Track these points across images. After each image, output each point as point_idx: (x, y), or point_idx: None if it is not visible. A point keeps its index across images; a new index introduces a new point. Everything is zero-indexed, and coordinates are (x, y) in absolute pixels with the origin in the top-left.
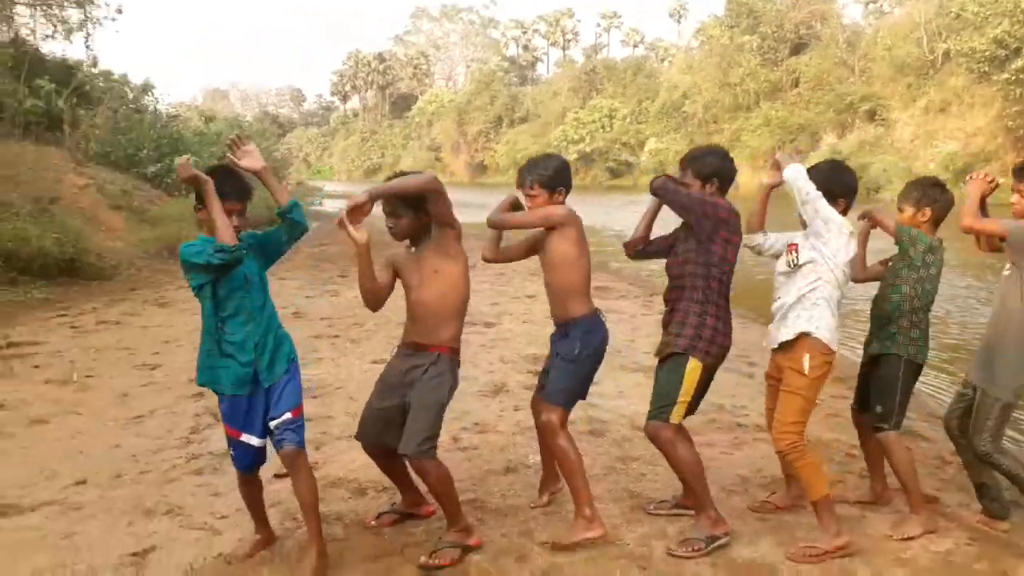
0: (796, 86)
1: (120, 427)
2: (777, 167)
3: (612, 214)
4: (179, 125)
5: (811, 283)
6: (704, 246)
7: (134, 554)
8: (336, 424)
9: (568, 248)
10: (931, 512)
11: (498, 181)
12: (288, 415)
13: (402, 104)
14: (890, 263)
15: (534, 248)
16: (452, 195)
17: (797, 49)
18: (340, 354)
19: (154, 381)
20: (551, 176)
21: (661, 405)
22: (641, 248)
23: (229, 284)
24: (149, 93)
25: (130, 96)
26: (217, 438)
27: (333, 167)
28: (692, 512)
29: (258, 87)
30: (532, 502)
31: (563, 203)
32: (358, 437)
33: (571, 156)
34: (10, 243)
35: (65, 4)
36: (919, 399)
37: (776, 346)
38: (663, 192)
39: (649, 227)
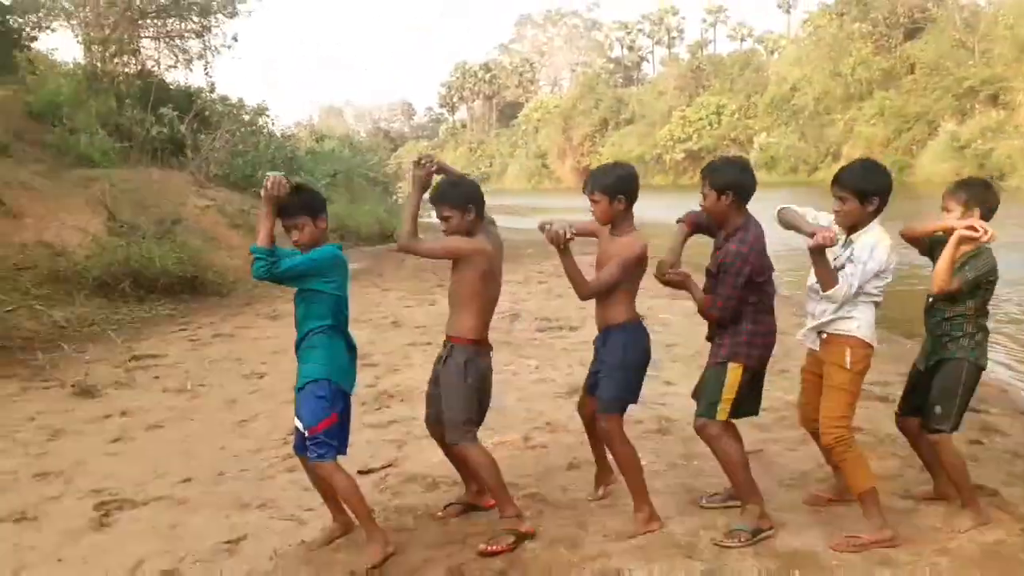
0: (911, 72)
1: (226, 431)
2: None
3: None
4: (292, 145)
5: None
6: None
7: (228, 542)
8: (418, 425)
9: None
10: (985, 506)
11: None
12: (301, 429)
13: (509, 112)
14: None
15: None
16: (559, 201)
17: (911, 34)
18: (429, 360)
19: (260, 388)
20: (612, 184)
21: (708, 404)
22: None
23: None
24: (264, 115)
25: (246, 119)
26: None
27: None
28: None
29: (371, 103)
30: (589, 495)
31: (624, 211)
32: (426, 422)
33: (678, 155)
34: (137, 264)
35: (186, 35)
36: (1009, 395)
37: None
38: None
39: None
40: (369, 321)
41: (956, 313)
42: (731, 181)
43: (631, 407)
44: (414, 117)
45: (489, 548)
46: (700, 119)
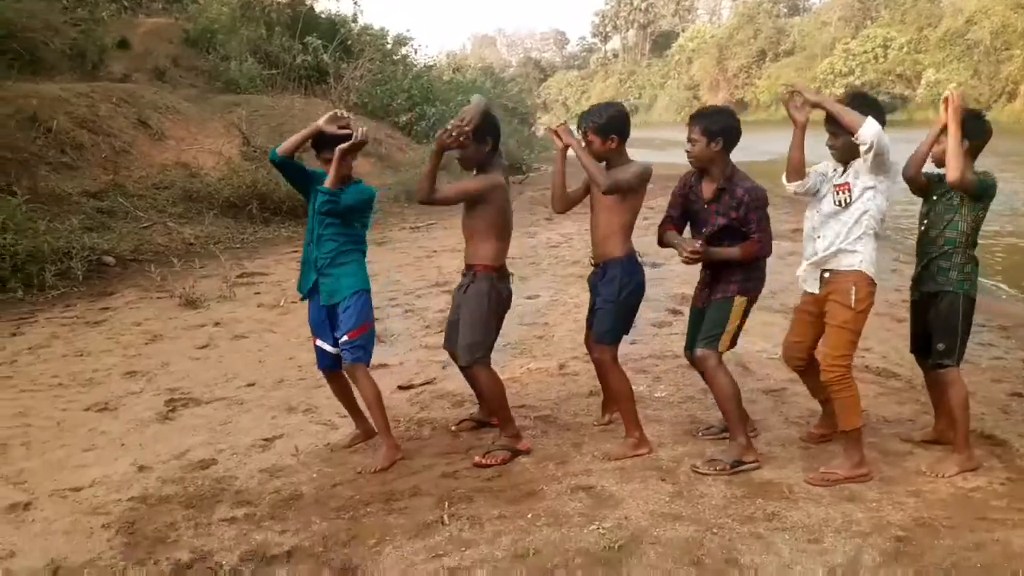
0: None
1: (299, 344)
2: (803, 106)
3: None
4: (430, 75)
5: (857, 218)
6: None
7: (265, 439)
8: None
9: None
10: (975, 453)
11: (759, 118)
12: (345, 336)
13: (663, 43)
14: (940, 197)
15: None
16: None
17: None
18: None
19: None
20: (603, 124)
21: (711, 335)
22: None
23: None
24: (406, 45)
25: (388, 48)
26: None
27: None
28: None
29: (523, 32)
30: (595, 420)
31: (615, 149)
32: (444, 346)
33: (838, 90)
34: (264, 188)
35: None
36: None
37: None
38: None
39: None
40: (456, 250)
41: (947, 241)
42: (723, 127)
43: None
44: (566, 47)
45: (483, 460)
46: (865, 52)
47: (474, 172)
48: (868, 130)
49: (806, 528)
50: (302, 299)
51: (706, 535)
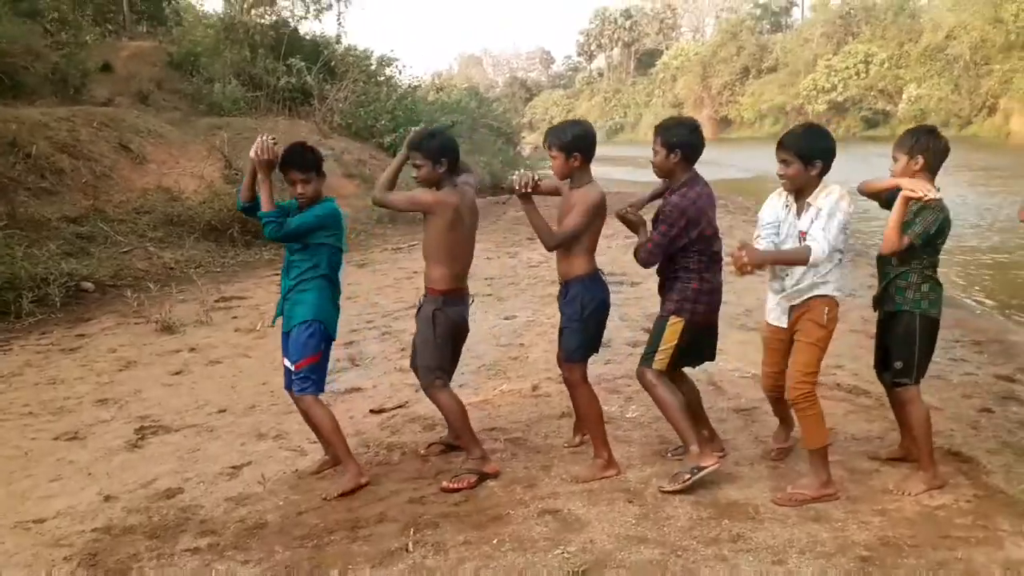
0: None
1: (274, 368)
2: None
3: (869, 162)
4: (414, 95)
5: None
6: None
7: (233, 467)
8: None
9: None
10: (940, 470)
11: (743, 135)
12: (288, 364)
13: (647, 61)
14: None
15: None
16: None
17: None
18: (482, 311)
19: None
20: (568, 142)
21: (648, 352)
22: None
23: None
24: (390, 66)
25: (371, 69)
26: (342, 380)
27: None
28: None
29: (509, 51)
30: (566, 442)
31: (579, 167)
32: (411, 366)
33: (821, 106)
34: None
35: None
36: None
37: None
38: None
39: None
40: None
41: (903, 263)
42: (681, 140)
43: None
44: (552, 66)
45: (451, 485)
46: (847, 68)
47: None
48: (816, 255)
49: (771, 549)
50: (272, 323)
51: (671, 557)
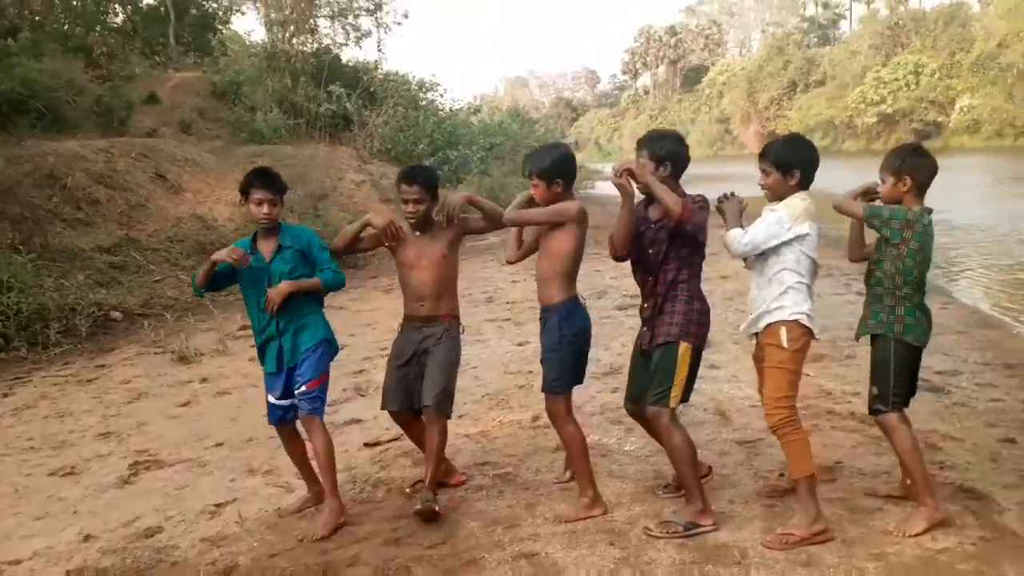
0: None
1: None
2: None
3: None
4: (453, 119)
5: (776, 272)
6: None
7: (217, 504)
8: None
9: (568, 243)
10: (942, 505)
11: None
12: (303, 387)
13: (693, 77)
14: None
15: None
16: (739, 168)
17: None
18: (498, 337)
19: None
20: (548, 168)
21: (662, 390)
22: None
23: None
24: (431, 90)
25: (411, 94)
26: (344, 411)
27: (622, 148)
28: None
29: (555, 72)
30: (556, 477)
31: (561, 193)
32: (384, 406)
33: (871, 119)
34: None
35: (358, 13)
36: None
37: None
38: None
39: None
40: (466, 296)
41: (876, 281)
42: (670, 152)
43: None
44: (598, 85)
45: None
46: (896, 80)
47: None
48: (729, 240)
49: None
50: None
51: None
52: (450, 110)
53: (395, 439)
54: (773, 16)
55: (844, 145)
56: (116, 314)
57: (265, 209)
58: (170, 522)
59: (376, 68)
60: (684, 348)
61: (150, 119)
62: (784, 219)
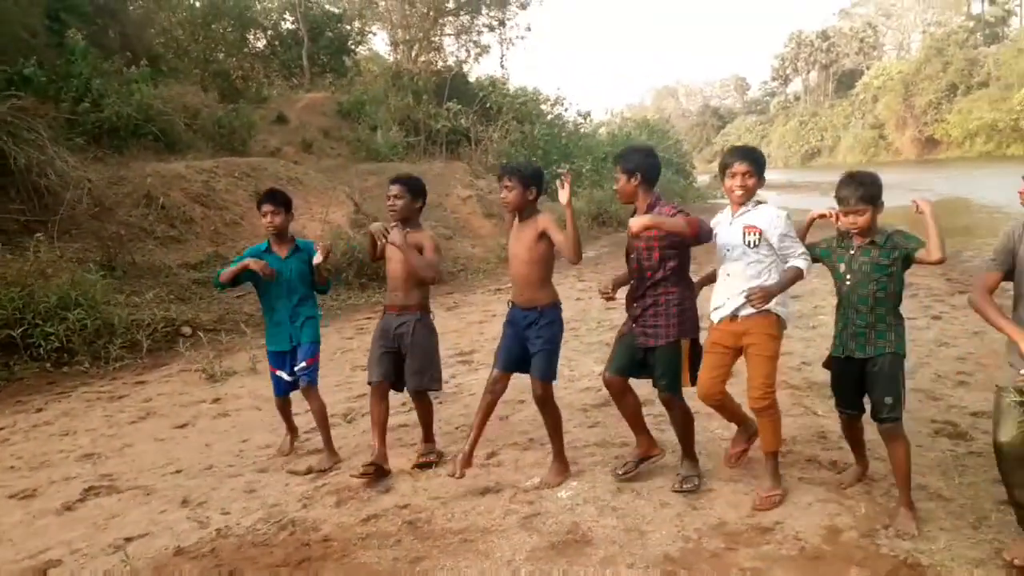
0: None
1: (264, 423)
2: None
3: None
4: (567, 131)
5: (769, 264)
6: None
7: (127, 539)
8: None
9: (551, 249)
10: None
11: (951, 156)
12: (299, 365)
13: (847, 82)
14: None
15: None
16: (893, 176)
17: None
18: None
19: (352, 380)
20: (529, 175)
21: (672, 379)
22: None
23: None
24: (558, 103)
25: (535, 108)
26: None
27: (770, 155)
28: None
29: (703, 80)
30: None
31: (533, 201)
32: (369, 381)
33: None
34: (361, 254)
35: (481, 30)
36: None
37: (735, 316)
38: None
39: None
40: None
41: (880, 303)
42: (638, 165)
43: None
44: (747, 92)
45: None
46: None
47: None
48: (807, 267)
49: None
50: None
51: None
52: (573, 123)
53: (326, 470)
54: (935, 15)
55: (1010, 150)
56: (186, 329)
57: (269, 219)
58: (73, 556)
59: (495, 84)
60: (684, 344)
61: (276, 139)
62: (781, 215)
